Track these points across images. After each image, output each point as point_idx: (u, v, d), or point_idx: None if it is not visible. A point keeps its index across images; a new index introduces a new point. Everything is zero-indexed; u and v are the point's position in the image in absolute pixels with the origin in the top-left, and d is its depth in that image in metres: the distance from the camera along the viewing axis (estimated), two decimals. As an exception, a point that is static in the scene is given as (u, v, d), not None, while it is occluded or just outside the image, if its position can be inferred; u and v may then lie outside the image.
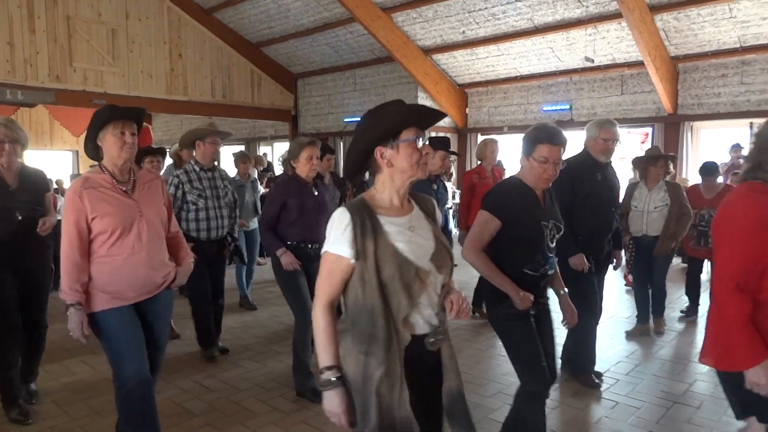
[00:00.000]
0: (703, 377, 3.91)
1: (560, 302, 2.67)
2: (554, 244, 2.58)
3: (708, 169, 5.31)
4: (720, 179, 5.73)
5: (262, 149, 14.96)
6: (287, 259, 3.53)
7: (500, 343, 2.64)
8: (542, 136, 2.45)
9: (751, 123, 8.48)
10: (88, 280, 2.45)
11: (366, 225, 1.65)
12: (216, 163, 4.35)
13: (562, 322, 2.67)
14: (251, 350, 4.50)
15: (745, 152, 8.40)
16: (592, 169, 3.60)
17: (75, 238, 2.41)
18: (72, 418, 3.29)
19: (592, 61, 9.14)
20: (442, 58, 10.63)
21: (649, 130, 9.50)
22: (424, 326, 1.71)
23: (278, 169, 10.92)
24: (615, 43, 8.67)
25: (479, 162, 5.41)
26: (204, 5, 11.25)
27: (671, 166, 5.32)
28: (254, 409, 3.42)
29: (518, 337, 2.49)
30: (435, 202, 1.89)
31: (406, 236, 1.70)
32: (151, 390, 2.56)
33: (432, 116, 1.75)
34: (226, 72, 11.92)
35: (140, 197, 2.57)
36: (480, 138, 11.09)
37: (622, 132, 10.80)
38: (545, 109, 10.22)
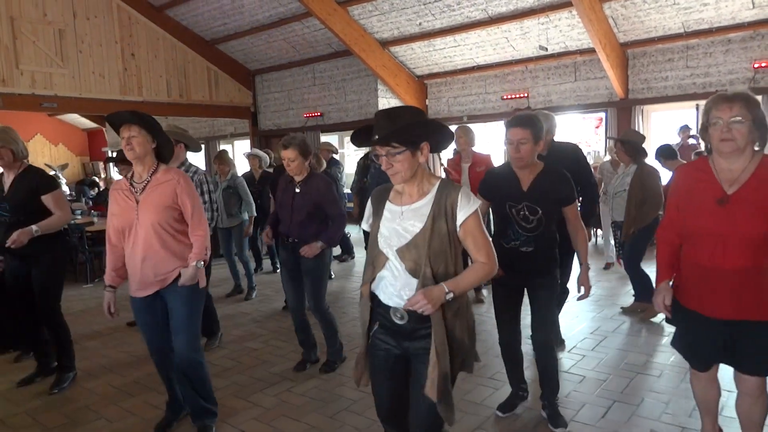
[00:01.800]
0: (662, 348, 4.13)
1: (579, 274, 3.03)
2: (529, 224, 2.81)
3: (663, 151, 5.23)
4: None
5: (222, 147, 14.74)
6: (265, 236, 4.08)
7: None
8: (506, 123, 2.91)
9: (697, 105, 8.88)
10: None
11: (377, 205, 2.08)
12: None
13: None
14: (224, 348, 4.50)
15: (693, 133, 8.81)
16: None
17: (109, 231, 2.88)
18: (46, 428, 3.24)
19: (546, 49, 9.36)
20: (399, 51, 10.69)
21: (602, 115, 9.81)
22: (389, 299, 2.01)
23: (240, 164, 10.81)
24: (567, 31, 8.91)
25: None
26: (155, 3, 10.98)
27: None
28: (234, 405, 3.44)
29: (495, 300, 3.08)
30: (458, 196, 1.94)
31: (394, 222, 2.00)
32: (173, 361, 2.95)
33: (367, 135, 1.98)
34: (182, 70, 11.69)
35: (144, 199, 2.75)
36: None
37: (577, 117, 11.04)
38: (503, 97, 10.42)
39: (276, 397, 3.54)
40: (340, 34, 9.79)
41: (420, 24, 9.67)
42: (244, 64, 12.78)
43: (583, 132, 10.76)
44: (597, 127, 10.49)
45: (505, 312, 3.04)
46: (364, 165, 6.49)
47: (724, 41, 8.17)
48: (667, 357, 3.95)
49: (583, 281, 2.98)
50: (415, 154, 1.92)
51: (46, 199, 3.53)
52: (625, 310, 5.03)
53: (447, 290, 1.88)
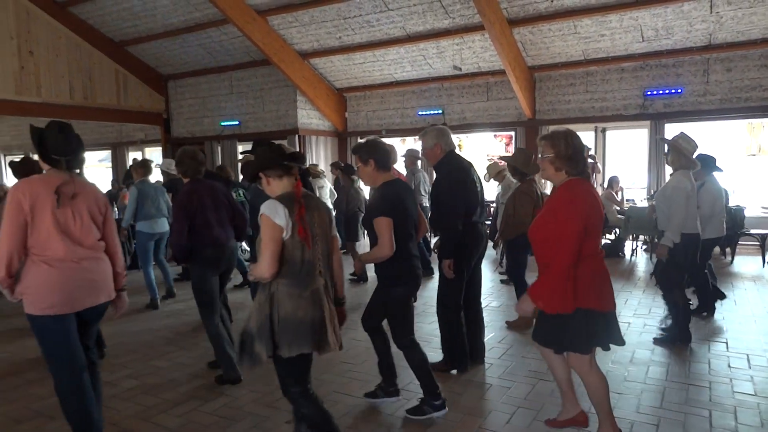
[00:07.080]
0: (563, 355, 4.39)
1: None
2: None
3: None
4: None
5: (132, 155, 14.02)
6: None
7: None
8: None
9: (596, 127, 9.59)
10: None
11: None
12: None
13: None
14: (128, 368, 4.26)
15: (592, 152, 9.49)
16: None
17: None
18: None
19: (460, 69, 9.76)
20: (319, 63, 10.72)
21: (512, 133, 10.35)
22: None
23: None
24: (480, 53, 9.34)
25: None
26: (57, -2, 10.32)
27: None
28: (138, 428, 3.26)
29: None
30: None
31: None
32: None
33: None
34: (87, 71, 11.03)
35: None
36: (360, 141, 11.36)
37: (489, 135, 11.55)
38: (420, 113, 10.72)
39: (183, 417, 3.40)
40: (259, 44, 9.67)
41: (340, 38, 9.76)
42: (156, 68, 12.28)
43: (495, 149, 11.28)
44: (508, 145, 11.04)
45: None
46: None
47: (618, 70, 8.90)
48: (566, 363, 4.19)
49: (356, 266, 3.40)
50: None
51: None
52: (510, 325, 5.10)
53: None
